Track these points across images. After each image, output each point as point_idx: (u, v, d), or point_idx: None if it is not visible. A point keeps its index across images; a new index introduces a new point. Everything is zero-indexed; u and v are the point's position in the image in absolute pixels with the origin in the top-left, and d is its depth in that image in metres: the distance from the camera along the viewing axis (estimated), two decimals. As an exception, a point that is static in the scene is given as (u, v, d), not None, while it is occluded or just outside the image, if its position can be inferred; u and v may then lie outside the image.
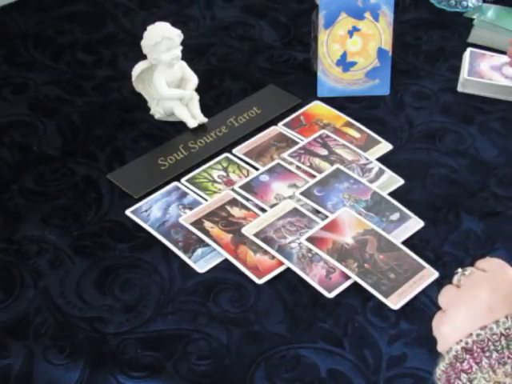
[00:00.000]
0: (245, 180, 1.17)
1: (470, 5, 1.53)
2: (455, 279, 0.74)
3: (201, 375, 0.93)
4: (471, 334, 0.65)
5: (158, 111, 1.28)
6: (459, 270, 0.74)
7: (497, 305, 0.67)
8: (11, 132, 1.27)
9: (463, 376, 0.65)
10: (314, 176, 1.18)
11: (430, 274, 1.03)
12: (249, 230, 1.08)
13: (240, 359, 0.95)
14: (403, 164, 1.21)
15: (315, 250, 1.05)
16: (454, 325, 0.68)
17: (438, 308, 0.72)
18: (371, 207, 1.12)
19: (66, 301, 1.01)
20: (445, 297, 0.72)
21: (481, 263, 0.74)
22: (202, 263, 1.06)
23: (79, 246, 1.08)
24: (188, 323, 0.99)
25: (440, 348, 0.69)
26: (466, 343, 0.65)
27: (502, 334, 0.65)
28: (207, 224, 1.10)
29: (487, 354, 0.64)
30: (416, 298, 1.00)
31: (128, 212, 1.13)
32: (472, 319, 0.67)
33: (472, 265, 1.05)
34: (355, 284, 1.02)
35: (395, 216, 1.11)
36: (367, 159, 1.21)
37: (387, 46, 1.31)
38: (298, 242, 1.06)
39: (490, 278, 0.71)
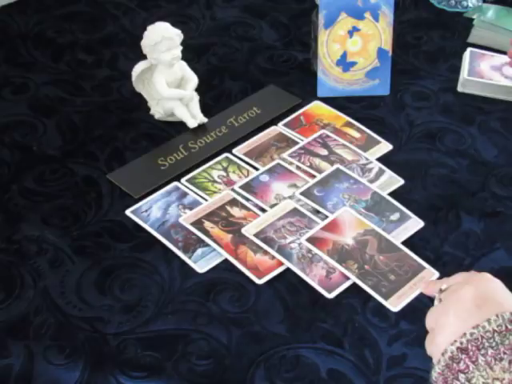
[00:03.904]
0: (245, 180, 1.17)
1: (470, 5, 1.53)
2: (436, 301, 0.75)
3: (201, 375, 0.93)
4: (465, 334, 0.66)
5: (157, 111, 1.28)
6: (436, 294, 0.75)
7: (482, 302, 0.68)
8: (11, 132, 1.27)
9: (461, 376, 0.65)
10: (314, 176, 1.18)
11: (431, 275, 1.03)
12: (249, 230, 1.08)
13: (240, 359, 0.95)
14: (403, 164, 1.21)
15: (315, 250, 1.05)
16: (446, 330, 0.68)
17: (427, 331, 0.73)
18: (371, 207, 1.12)
19: (65, 301, 1.01)
20: (430, 317, 0.73)
21: (454, 278, 0.75)
22: (202, 263, 1.06)
23: (79, 246, 1.08)
24: (188, 323, 0.99)
25: (436, 359, 0.69)
26: (461, 343, 0.66)
27: (494, 331, 0.65)
28: (207, 224, 1.10)
29: (482, 351, 0.64)
30: (416, 298, 1.00)
31: (128, 212, 1.13)
32: (462, 319, 0.67)
33: (472, 265, 1.05)
34: (355, 284, 1.02)
35: (395, 216, 1.11)
36: (367, 159, 1.21)
37: (387, 46, 1.31)
38: (298, 243, 1.06)
39: (468, 281, 0.72)
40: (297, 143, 1.24)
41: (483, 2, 1.53)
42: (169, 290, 1.03)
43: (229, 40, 1.47)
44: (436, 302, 0.75)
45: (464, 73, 1.34)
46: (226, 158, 1.22)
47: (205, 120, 1.28)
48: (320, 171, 1.18)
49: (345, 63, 1.32)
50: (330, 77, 1.32)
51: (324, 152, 1.22)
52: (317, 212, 1.12)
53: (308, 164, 1.20)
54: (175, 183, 1.17)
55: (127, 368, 0.94)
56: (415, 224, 1.11)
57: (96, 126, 1.28)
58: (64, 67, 1.41)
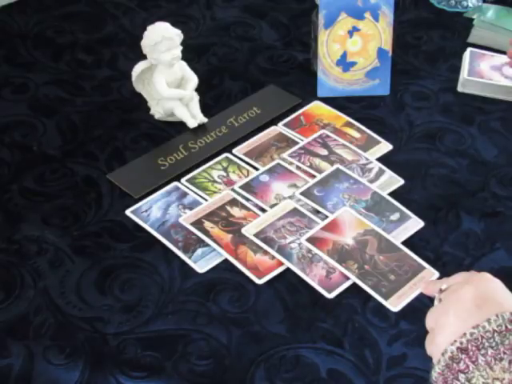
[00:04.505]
0: (245, 180, 1.17)
1: (470, 5, 1.53)
2: (436, 301, 0.75)
3: (201, 375, 0.93)
4: (465, 334, 0.66)
5: (157, 111, 1.28)
6: (435, 294, 0.75)
7: (482, 302, 0.68)
8: (11, 132, 1.27)
9: (461, 376, 0.65)
10: (314, 176, 1.18)
11: (431, 275, 1.03)
12: (249, 230, 1.08)
13: (240, 359, 0.95)
14: (403, 164, 1.21)
15: (315, 250, 1.05)
16: (446, 330, 0.68)
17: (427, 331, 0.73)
18: (371, 207, 1.12)
19: (65, 301, 1.01)
20: (430, 317, 0.73)
21: (454, 278, 0.75)
22: (202, 263, 1.06)
23: (79, 246, 1.08)
24: (188, 323, 0.99)
25: (436, 359, 0.69)
26: (461, 343, 0.66)
27: (494, 331, 0.65)
28: (207, 224, 1.10)
29: (482, 351, 0.64)
30: (416, 298, 1.00)
31: (128, 212, 1.13)
32: (462, 319, 0.67)
33: (472, 265, 1.05)
34: (355, 284, 1.02)
35: (395, 216, 1.11)
36: (367, 159, 1.21)
37: (387, 46, 1.31)
38: (298, 243, 1.06)
39: (468, 281, 0.72)
40: (297, 143, 1.24)
41: (483, 1, 1.53)
42: (169, 289, 1.03)
43: (229, 40, 1.47)
44: (436, 302, 0.75)
45: (464, 73, 1.34)
46: (226, 157, 1.22)
47: (205, 120, 1.28)
48: (320, 171, 1.18)
49: (345, 63, 1.32)
50: (330, 77, 1.32)
51: (324, 152, 1.22)
52: (317, 212, 1.12)
53: (308, 164, 1.20)
54: (175, 183, 1.17)
55: (127, 368, 0.94)
56: (415, 224, 1.11)
57: (96, 125, 1.28)
58: (64, 67, 1.41)
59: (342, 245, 1.06)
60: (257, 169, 1.20)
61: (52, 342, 0.96)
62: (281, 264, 1.05)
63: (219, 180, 1.18)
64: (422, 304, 0.98)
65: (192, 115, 1.27)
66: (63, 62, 1.42)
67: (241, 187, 1.16)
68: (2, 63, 1.42)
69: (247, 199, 1.14)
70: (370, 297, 1.01)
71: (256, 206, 1.13)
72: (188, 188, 1.17)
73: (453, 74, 1.38)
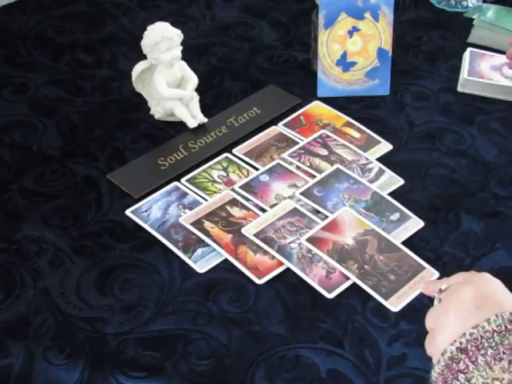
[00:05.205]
0: (245, 180, 1.17)
1: (470, 5, 1.53)
2: (435, 301, 0.75)
3: (201, 375, 0.93)
4: (464, 334, 0.66)
5: (157, 111, 1.28)
6: (435, 294, 0.75)
7: (482, 302, 0.68)
8: (11, 132, 1.27)
9: (461, 376, 0.65)
10: (314, 176, 1.18)
11: (431, 275, 1.03)
12: (249, 230, 1.08)
13: (240, 359, 0.95)
14: (403, 164, 1.21)
15: (315, 250, 1.05)
16: (446, 330, 0.68)
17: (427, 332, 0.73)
18: (371, 207, 1.12)
19: (66, 301, 1.01)
20: (430, 317, 0.73)
21: (454, 278, 0.75)
22: (202, 263, 1.06)
23: (79, 246, 1.08)
24: (188, 323, 0.99)
25: (435, 359, 0.69)
26: (461, 343, 0.66)
27: (494, 331, 0.65)
28: (207, 224, 1.10)
29: (482, 351, 0.65)
30: (416, 298, 1.00)
31: (128, 212, 1.13)
32: (462, 319, 0.67)
33: (472, 265, 1.05)
34: (355, 284, 1.02)
35: (395, 216, 1.11)
36: (367, 159, 1.21)
37: (387, 46, 1.31)
38: (298, 243, 1.06)
39: (468, 281, 0.72)
40: (297, 143, 1.24)
41: (483, 1, 1.53)
42: (169, 289, 1.03)
43: (229, 40, 1.47)
44: (436, 302, 0.75)
45: (464, 73, 1.34)
46: (226, 157, 1.22)
47: (205, 120, 1.28)
48: (320, 171, 1.18)
49: (345, 63, 1.32)
50: (330, 77, 1.32)
51: (324, 152, 1.22)
52: (317, 212, 1.12)
53: (308, 164, 1.20)
54: (175, 183, 1.17)
55: (127, 368, 0.94)
56: (415, 224, 1.11)
57: (96, 125, 1.28)
58: (64, 67, 1.41)
59: (342, 245, 1.06)
60: (257, 169, 1.20)
61: (52, 342, 0.96)
62: (281, 264, 1.05)
63: (219, 180, 1.18)
64: (422, 304, 0.98)
65: (192, 115, 1.27)
66: (63, 61, 1.42)
67: (241, 187, 1.16)
68: (2, 63, 1.42)
69: (247, 199, 1.14)
70: (370, 297, 1.01)
71: (256, 206, 1.13)
72: (188, 188, 1.17)
73: (453, 74, 1.38)
